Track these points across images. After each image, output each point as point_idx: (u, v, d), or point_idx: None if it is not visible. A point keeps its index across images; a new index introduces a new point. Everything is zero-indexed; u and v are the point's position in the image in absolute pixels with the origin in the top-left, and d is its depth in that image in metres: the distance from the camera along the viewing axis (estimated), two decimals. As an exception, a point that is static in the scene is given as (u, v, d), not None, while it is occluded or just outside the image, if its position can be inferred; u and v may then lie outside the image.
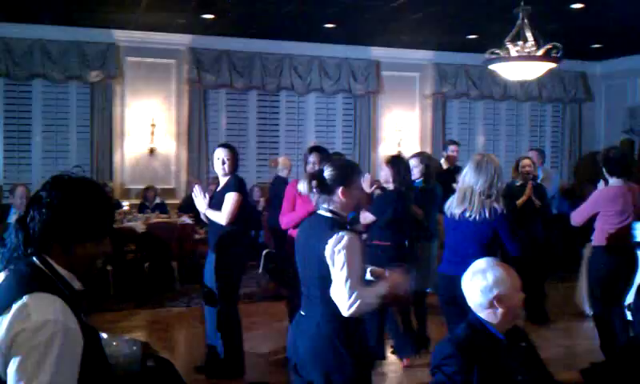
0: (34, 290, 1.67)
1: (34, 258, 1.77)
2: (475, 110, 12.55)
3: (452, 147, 8.81)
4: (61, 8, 8.86)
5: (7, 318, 1.64)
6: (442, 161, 8.87)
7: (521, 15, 8.01)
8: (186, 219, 8.89)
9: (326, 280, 3.03)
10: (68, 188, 1.83)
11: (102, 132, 10.28)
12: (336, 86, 11.43)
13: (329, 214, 3.15)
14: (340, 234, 3.01)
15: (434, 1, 8.22)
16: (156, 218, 8.94)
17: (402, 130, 11.86)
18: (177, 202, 10.31)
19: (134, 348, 2.07)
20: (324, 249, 3.01)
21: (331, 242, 2.99)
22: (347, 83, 11.43)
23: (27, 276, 1.72)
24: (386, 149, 11.88)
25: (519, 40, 7.93)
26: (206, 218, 5.42)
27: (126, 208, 9.36)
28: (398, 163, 5.74)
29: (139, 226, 8.59)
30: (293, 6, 8.64)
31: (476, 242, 4.37)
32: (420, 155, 6.57)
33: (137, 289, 8.33)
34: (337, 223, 3.10)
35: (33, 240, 1.78)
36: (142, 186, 10.24)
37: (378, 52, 11.56)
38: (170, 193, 10.59)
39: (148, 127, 10.53)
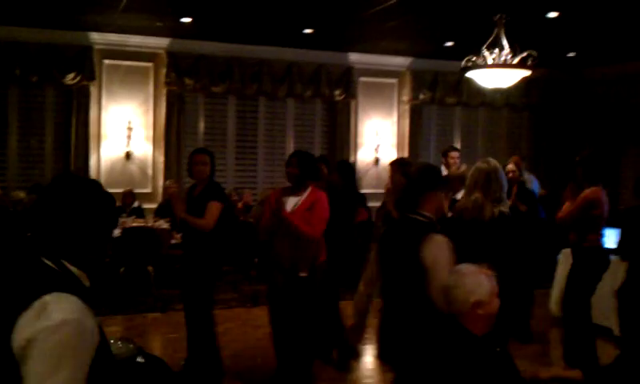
0: (53, 290, 1.68)
1: (45, 258, 1.78)
2: (453, 117, 12.65)
3: (452, 154, 8.19)
4: (36, 10, 8.76)
5: (26, 316, 1.64)
6: (442, 168, 8.55)
7: (497, 23, 8.11)
8: (163, 224, 8.84)
9: (419, 279, 3.17)
10: (79, 190, 1.86)
11: (79, 135, 10.18)
12: (314, 91, 11.45)
13: (419, 218, 3.33)
14: (430, 236, 3.21)
15: (412, 8, 8.28)
16: (132, 223, 8.88)
17: (380, 135, 11.91)
18: (153, 206, 10.25)
19: (130, 346, 2.13)
20: (417, 250, 3.18)
21: (424, 243, 3.18)
22: (325, 89, 11.45)
23: (43, 276, 1.73)
24: (364, 154, 11.93)
25: (496, 48, 8.02)
26: (182, 223, 5.38)
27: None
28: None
29: (115, 230, 8.52)
30: (271, 11, 8.65)
31: (486, 248, 4.34)
32: (398, 162, 6.57)
33: (112, 294, 8.26)
34: (427, 226, 3.28)
35: (45, 240, 1.80)
36: (118, 190, 10.14)
37: (355, 58, 11.60)
38: (147, 197, 10.52)
39: (125, 131, 10.45)
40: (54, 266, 1.76)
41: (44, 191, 1.88)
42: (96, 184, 1.95)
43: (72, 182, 1.90)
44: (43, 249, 1.79)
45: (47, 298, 1.65)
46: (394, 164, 6.43)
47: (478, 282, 2.86)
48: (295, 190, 5.04)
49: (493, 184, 4.43)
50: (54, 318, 1.62)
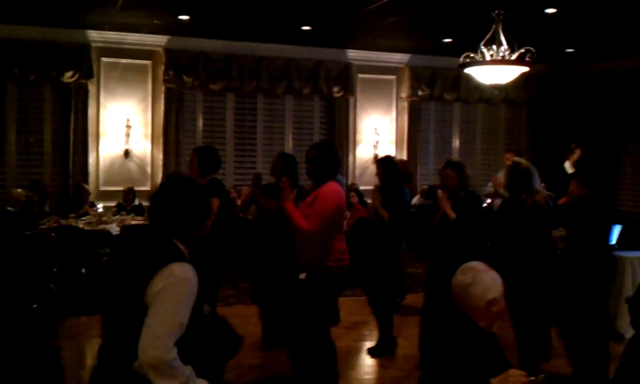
0: (175, 260, 2.40)
1: (164, 240, 2.49)
2: (451, 113, 12.65)
3: (579, 150, 8.10)
4: (35, 8, 8.76)
5: (158, 277, 2.35)
6: (567, 164, 8.36)
7: (495, 19, 8.11)
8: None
9: None
10: (183, 190, 2.59)
11: (77, 133, 10.19)
12: (313, 88, 11.45)
13: None
14: None
15: (410, 4, 8.28)
16: (131, 220, 8.88)
17: (378, 132, 11.92)
18: (152, 204, 10.22)
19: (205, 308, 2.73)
20: None
21: None
22: (324, 86, 11.45)
23: (166, 251, 2.44)
24: (363, 151, 11.94)
25: (494, 44, 8.03)
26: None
27: (100, 210, 9.28)
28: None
29: (114, 228, 8.52)
30: (269, 8, 8.64)
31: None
32: (381, 159, 6.59)
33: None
34: None
35: (164, 228, 2.52)
36: (116, 188, 10.17)
37: (354, 55, 11.60)
38: (146, 195, 10.49)
39: (123, 129, 10.46)
40: (171, 245, 2.47)
41: (161, 188, 2.64)
42: (195, 183, 2.70)
43: (180, 181, 2.65)
44: (161, 231, 2.52)
45: (172, 265, 2.38)
46: (379, 162, 6.43)
47: (493, 280, 2.89)
48: (315, 188, 4.60)
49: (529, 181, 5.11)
50: (178, 276, 2.36)
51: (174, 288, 2.34)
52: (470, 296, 2.85)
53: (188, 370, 2.36)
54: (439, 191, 5.63)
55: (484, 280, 2.86)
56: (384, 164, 6.29)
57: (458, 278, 2.93)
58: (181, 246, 2.48)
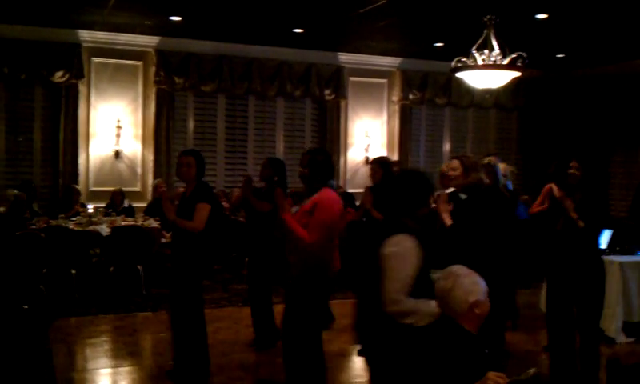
0: (401, 232, 3.18)
1: (394, 218, 3.31)
2: (442, 117, 12.68)
3: None
4: (25, 7, 8.72)
5: (384, 247, 3.18)
6: None
7: (487, 24, 8.15)
8: (152, 223, 8.81)
9: None
10: (405, 180, 3.50)
11: (67, 133, 10.13)
12: (304, 91, 11.46)
13: None
14: None
15: (402, 8, 8.30)
16: (122, 221, 8.84)
17: (370, 135, 11.94)
18: (143, 205, 10.21)
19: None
20: None
21: None
22: (315, 88, 11.46)
23: (393, 226, 3.26)
24: (354, 154, 11.95)
25: (485, 49, 8.07)
26: (172, 224, 5.35)
27: (90, 211, 9.24)
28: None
29: (104, 229, 8.48)
30: (261, 10, 8.64)
31: None
32: (380, 160, 6.59)
33: (102, 293, 8.23)
34: None
35: (397, 209, 3.36)
36: (107, 189, 10.12)
37: (345, 58, 11.62)
38: (136, 196, 10.48)
39: (114, 129, 10.42)
40: (400, 221, 3.27)
41: (394, 179, 3.75)
42: (416, 173, 3.66)
43: (404, 173, 3.70)
44: (393, 212, 3.37)
45: (395, 236, 3.17)
46: (379, 163, 6.43)
47: (474, 283, 2.92)
48: (308, 194, 4.49)
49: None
50: (398, 244, 3.17)
51: (394, 254, 3.15)
52: (453, 300, 2.89)
53: (419, 302, 3.10)
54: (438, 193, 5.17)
55: (465, 283, 2.90)
56: (384, 166, 6.29)
57: (439, 284, 2.97)
58: (409, 222, 3.26)
